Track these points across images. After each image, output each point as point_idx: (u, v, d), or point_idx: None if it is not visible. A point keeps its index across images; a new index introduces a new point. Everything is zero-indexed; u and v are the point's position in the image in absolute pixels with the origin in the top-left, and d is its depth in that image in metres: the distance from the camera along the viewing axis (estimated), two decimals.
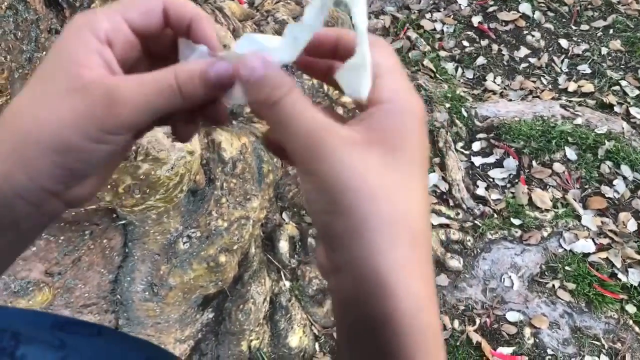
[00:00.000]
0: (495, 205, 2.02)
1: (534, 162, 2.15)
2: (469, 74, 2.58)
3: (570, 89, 2.47)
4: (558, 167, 2.14)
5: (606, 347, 1.73)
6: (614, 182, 2.10)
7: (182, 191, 1.10)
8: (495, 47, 2.65)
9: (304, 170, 0.34)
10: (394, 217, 0.32)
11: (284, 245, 1.71)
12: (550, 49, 2.63)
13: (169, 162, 1.01)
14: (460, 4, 2.79)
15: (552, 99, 2.42)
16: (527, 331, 1.74)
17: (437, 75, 2.51)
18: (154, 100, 0.36)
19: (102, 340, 0.53)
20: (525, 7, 2.74)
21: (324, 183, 0.32)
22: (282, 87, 0.35)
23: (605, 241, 1.94)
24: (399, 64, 0.38)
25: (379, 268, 0.31)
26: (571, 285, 1.83)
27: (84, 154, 0.35)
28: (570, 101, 2.40)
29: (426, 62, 2.56)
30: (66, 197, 0.37)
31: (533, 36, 2.66)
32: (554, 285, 1.84)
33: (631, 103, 2.38)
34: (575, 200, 2.05)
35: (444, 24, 2.74)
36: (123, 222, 1.21)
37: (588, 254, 1.91)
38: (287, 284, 1.68)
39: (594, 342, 1.74)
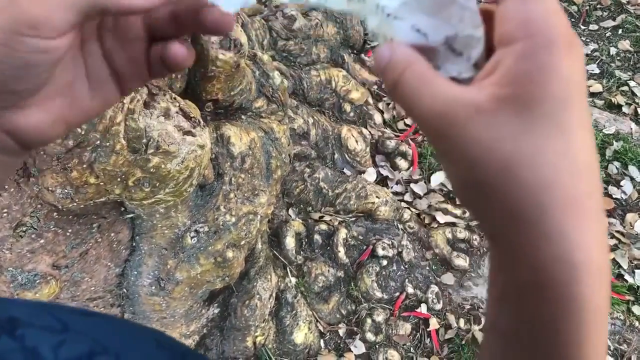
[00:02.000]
0: None
1: None
2: None
3: None
4: None
5: (612, 348, 1.72)
6: (622, 183, 2.09)
7: (191, 185, 1.10)
8: None
9: (437, 148, 0.31)
10: (540, 184, 0.27)
11: (290, 242, 1.70)
12: None
13: (180, 156, 1.00)
14: None
15: None
16: None
17: None
18: None
19: (108, 324, 0.52)
20: None
21: (457, 162, 0.30)
22: (397, 66, 0.32)
23: (612, 242, 1.93)
24: None
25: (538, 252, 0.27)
26: None
27: None
28: None
29: None
30: (3, 122, 0.35)
31: None
32: None
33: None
34: None
35: None
36: (131, 215, 1.20)
37: None
38: (293, 280, 1.67)
39: None
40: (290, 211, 1.79)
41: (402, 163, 1.98)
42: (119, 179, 0.99)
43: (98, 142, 0.93)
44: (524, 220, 0.27)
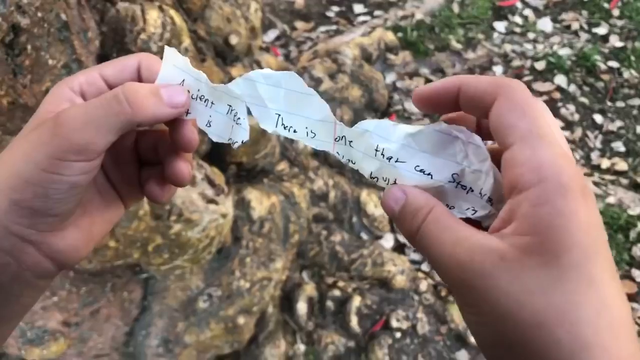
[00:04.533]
0: None
1: None
2: None
3: (603, 166, 2.43)
4: None
5: None
6: None
7: (209, 253, 1.09)
8: None
9: (461, 302, 0.29)
10: (579, 345, 0.25)
11: (302, 307, 1.66)
12: (584, 123, 2.61)
13: (201, 224, 1.00)
14: (494, 71, 2.81)
15: (585, 175, 2.39)
16: None
17: None
18: (99, 114, 0.34)
19: None
20: (560, 80, 2.74)
21: (483, 315, 0.27)
22: (419, 212, 0.31)
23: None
24: (539, 118, 0.29)
25: None
26: None
27: (38, 187, 0.33)
28: (602, 179, 2.36)
29: None
30: (44, 247, 0.35)
31: (567, 109, 2.65)
32: None
33: None
34: None
35: None
36: (145, 275, 1.19)
37: None
38: (302, 347, 1.63)
39: None
40: (304, 273, 1.76)
41: None
42: (138, 244, 0.99)
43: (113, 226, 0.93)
44: None
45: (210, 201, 1.00)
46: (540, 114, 0.29)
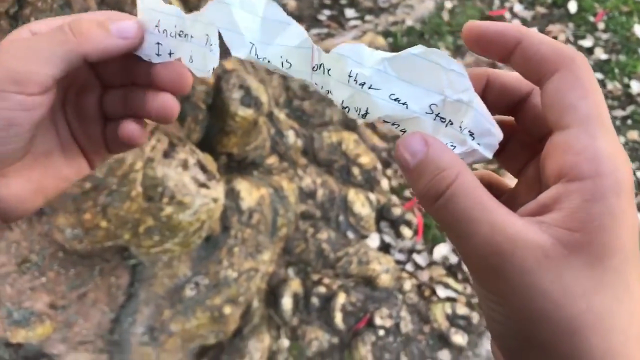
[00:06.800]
0: None
1: None
2: None
3: None
4: None
5: None
6: None
7: (200, 237, 1.09)
8: None
9: (485, 288, 0.27)
10: (609, 354, 0.24)
11: (287, 302, 1.67)
12: None
13: (193, 207, 1.01)
14: None
15: None
16: None
17: None
18: (43, 44, 0.32)
19: None
20: None
21: (510, 310, 0.25)
22: (446, 175, 0.27)
23: None
24: (601, 103, 0.26)
25: None
26: None
27: None
28: None
29: None
30: None
31: None
32: None
33: None
34: None
35: None
36: (133, 261, 1.19)
37: None
38: (287, 342, 1.63)
39: None
40: (290, 270, 1.77)
41: (406, 231, 1.98)
42: (130, 225, 0.99)
43: (114, 186, 0.94)
44: None
45: (202, 185, 1.01)
46: (601, 98, 0.26)
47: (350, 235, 1.93)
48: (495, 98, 0.31)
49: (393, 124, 0.31)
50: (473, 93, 0.29)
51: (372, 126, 2.29)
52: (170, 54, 0.36)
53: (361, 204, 1.96)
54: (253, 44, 0.33)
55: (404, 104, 0.30)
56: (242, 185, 1.35)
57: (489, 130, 0.30)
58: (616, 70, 2.69)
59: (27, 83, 0.31)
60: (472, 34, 0.30)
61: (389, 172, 2.18)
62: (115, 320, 1.29)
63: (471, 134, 0.30)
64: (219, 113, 1.26)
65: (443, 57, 0.29)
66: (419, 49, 0.30)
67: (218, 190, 1.05)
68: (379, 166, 2.17)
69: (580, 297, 0.24)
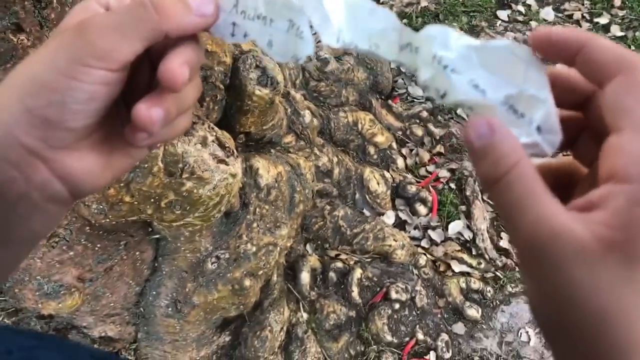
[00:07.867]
0: None
1: None
2: None
3: None
4: None
5: None
6: None
7: (219, 211, 1.14)
8: None
9: (526, 270, 0.29)
10: (631, 345, 0.25)
11: (305, 277, 1.72)
12: None
13: (212, 182, 1.05)
14: None
15: None
16: None
17: None
18: (125, 20, 0.32)
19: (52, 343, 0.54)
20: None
21: (545, 294, 0.28)
22: (506, 160, 0.29)
23: None
24: None
25: None
26: None
27: (55, 94, 0.31)
28: None
29: (460, 110, 2.60)
30: (56, 165, 0.33)
31: None
32: None
33: None
34: None
35: None
36: (157, 236, 1.24)
37: None
38: (305, 315, 1.68)
39: None
40: (308, 246, 1.82)
41: (422, 209, 2.01)
42: (152, 200, 1.04)
43: (137, 162, 0.98)
44: None
45: (221, 161, 1.05)
46: None
47: (367, 212, 1.96)
48: (558, 94, 0.32)
49: (468, 108, 0.33)
50: (549, 92, 0.31)
51: (387, 106, 2.31)
52: (245, 35, 0.36)
53: (377, 182, 1.99)
54: (341, 30, 0.35)
55: (482, 90, 0.32)
56: (260, 163, 1.39)
57: (556, 129, 0.32)
58: (632, 47, 2.65)
59: (110, 59, 0.32)
60: (539, 40, 0.32)
61: (405, 150, 2.20)
62: (140, 293, 1.34)
63: (538, 129, 0.31)
64: (237, 93, 1.29)
65: (527, 53, 0.31)
66: (505, 41, 0.32)
67: (236, 166, 1.09)
68: (395, 145, 2.19)
69: (610, 290, 0.25)
